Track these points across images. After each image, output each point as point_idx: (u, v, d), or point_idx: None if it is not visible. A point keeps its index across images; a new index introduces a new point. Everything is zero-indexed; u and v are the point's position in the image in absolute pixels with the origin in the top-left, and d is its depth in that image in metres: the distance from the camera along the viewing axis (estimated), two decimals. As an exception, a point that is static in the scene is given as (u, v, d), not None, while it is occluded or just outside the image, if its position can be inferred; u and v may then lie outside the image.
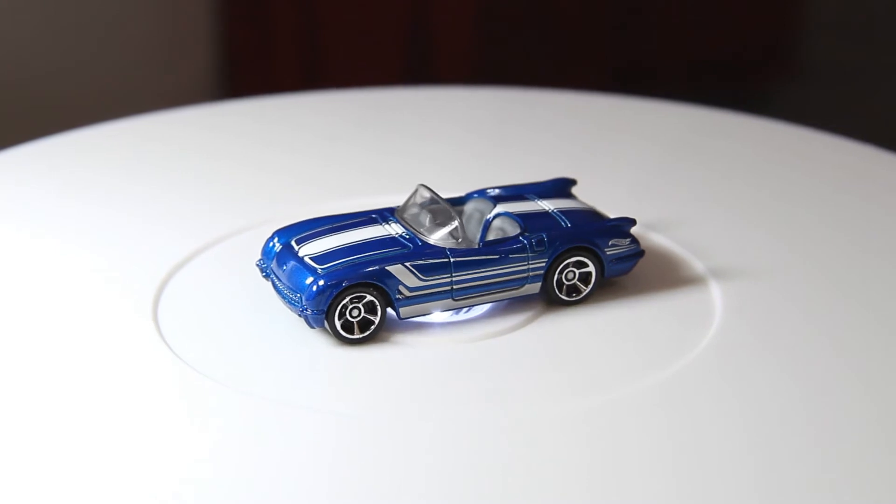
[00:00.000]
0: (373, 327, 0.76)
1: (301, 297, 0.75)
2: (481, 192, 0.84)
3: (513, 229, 0.80)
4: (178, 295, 0.82)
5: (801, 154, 1.05)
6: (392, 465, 0.67)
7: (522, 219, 0.80)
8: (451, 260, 0.77)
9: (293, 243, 0.79)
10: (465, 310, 0.79)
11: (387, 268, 0.76)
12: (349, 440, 0.69)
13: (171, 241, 0.88)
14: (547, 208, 0.82)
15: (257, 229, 0.88)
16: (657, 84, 2.12)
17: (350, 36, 1.94)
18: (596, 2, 2.07)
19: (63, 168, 1.02)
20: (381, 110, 1.15)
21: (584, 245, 0.80)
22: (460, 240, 0.78)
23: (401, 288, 0.76)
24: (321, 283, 0.75)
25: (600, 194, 0.89)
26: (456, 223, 0.78)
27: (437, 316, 0.78)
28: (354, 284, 0.75)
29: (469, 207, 0.83)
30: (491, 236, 0.80)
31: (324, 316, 0.75)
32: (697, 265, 0.84)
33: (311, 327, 0.76)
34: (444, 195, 0.81)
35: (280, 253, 0.78)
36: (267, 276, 0.79)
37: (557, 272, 0.79)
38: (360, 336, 0.76)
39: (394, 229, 0.79)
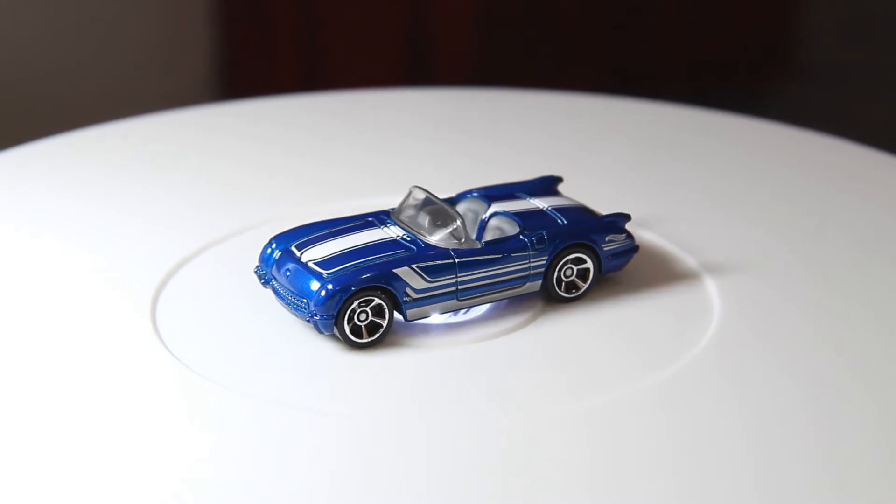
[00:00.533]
0: (381, 331, 0.76)
1: (309, 303, 0.75)
2: (470, 192, 0.84)
3: (511, 228, 0.80)
4: (177, 295, 0.81)
5: (796, 154, 1.05)
6: (392, 466, 0.67)
7: (520, 217, 0.80)
8: (456, 260, 0.77)
9: (293, 249, 0.78)
10: (463, 311, 0.79)
11: (393, 270, 0.76)
12: (349, 440, 0.69)
13: (171, 242, 0.87)
14: (541, 206, 0.82)
15: (256, 230, 0.88)
16: (657, 84, 2.12)
17: (350, 36, 1.94)
18: (596, 2, 2.07)
19: (63, 168, 1.02)
20: (380, 111, 1.15)
21: (583, 242, 0.80)
22: (463, 240, 0.78)
23: (408, 290, 0.76)
24: (330, 287, 0.74)
25: (592, 193, 0.89)
26: (458, 223, 0.78)
27: (437, 317, 0.78)
28: (363, 288, 0.75)
29: (461, 208, 0.83)
30: (488, 236, 0.80)
31: (333, 321, 0.75)
32: (691, 261, 0.85)
33: (321, 333, 0.75)
34: (436, 196, 0.81)
35: (280, 259, 0.78)
36: (266, 284, 0.79)
37: (557, 269, 0.79)
38: (369, 340, 0.76)
39: (393, 232, 0.79)
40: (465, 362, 0.75)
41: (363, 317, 0.75)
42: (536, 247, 0.79)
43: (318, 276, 0.75)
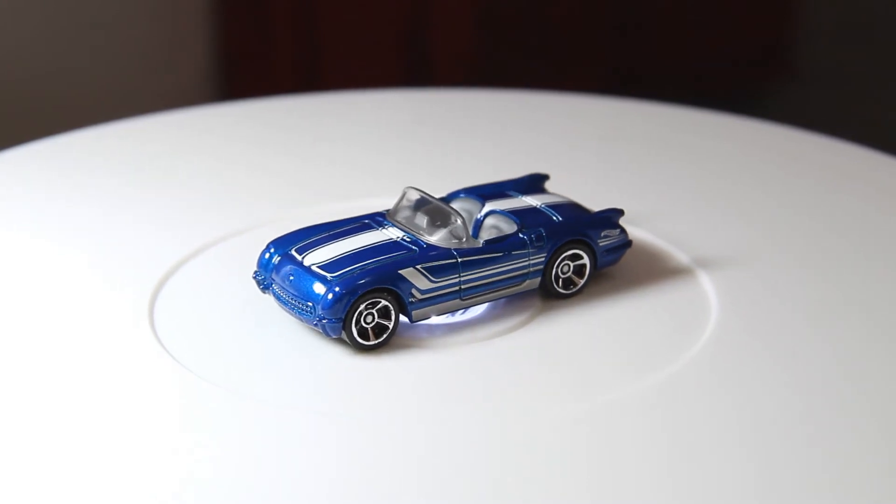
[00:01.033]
0: (387, 332, 0.76)
1: (315, 307, 0.74)
2: (460, 192, 0.84)
3: (508, 227, 0.80)
4: (175, 296, 0.81)
5: (795, 154, 1.05)
6: (391, 466, 0.67)
7: (516, 215, 0.80)
8: (459, 260, 0.77)
9: (294, 253, 0.78)
10: (460, 311, 0.79)
11: (399, 271, 0.76)
12: (348, 440, 0.69)
13: (169, 243, 0.87)
14: (534, 204, 0.82)
15: (255, 231, 0.88)
16: (657, 84, 2.12)
17: (349, 36, 1.94)
18: (596, 2, 2.07)
19: (63, 168, 1.02)
20: (380, 111, 1.15)
21: (580, 238, 0.80)
22: (464, 239, 0.78)
23: (413, 291, 0.76)
24: (336, 290, 0.74)
25: (593, 193, 0.89)
26: (458, 222, 0.78)
27: (435, 318, 0.78)
28: (369, 290, 0.75)
29: (455, 207, 0.83)
30: (484, 235, 0.80)
31: (341, 324, 0.75)
32: (688, 260, 0.85)
33: (329, 336, 0.75)
34: (432, 195, 0.81)
35: (280, 263, 0.77)
36: (266, 289, 0.78)
37: (555, 266, 0.80)
38: (376, 342, 0.76)
39: (392, 233, 0.79)
40: (464, 362, 0.75)
41: (370, 319, 0.75)
42: (535, 244, 0.79)
43: (324, 280, 0.75)
